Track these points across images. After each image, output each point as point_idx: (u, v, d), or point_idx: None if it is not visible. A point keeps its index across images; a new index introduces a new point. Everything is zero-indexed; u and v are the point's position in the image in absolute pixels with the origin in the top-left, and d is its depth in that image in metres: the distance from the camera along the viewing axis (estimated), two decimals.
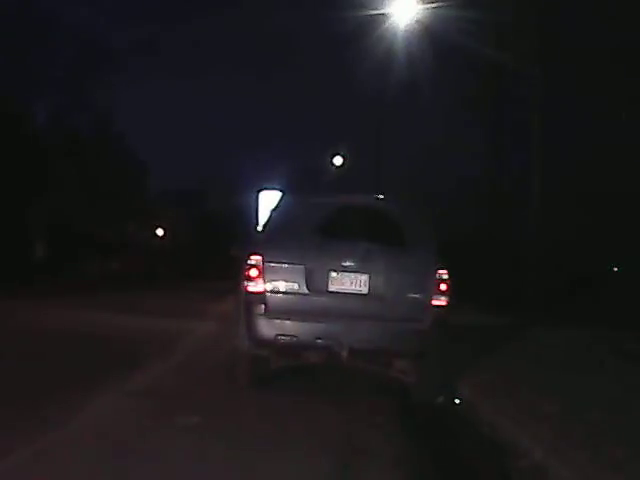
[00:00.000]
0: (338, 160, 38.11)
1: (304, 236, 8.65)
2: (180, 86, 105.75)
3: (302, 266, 8.46)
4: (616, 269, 26.06)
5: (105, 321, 15.88)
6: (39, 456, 5.63)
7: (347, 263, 8.53)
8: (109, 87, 39.95)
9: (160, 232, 66.25)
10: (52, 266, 35.56)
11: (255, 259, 8.43)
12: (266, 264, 8.41)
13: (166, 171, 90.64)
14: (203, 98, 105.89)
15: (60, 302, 20.69)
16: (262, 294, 8.38)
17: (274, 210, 9.25)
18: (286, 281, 8.47)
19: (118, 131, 46.47)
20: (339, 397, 8.68)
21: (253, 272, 8.39)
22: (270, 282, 8.41)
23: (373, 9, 20.83)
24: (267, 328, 8.34)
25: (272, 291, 8.41)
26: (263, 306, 8.35)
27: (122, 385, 8.52)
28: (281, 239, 8.72)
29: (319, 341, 8.35)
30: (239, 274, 8.94)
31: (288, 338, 8.34)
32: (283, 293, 8.44)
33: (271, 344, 8.46)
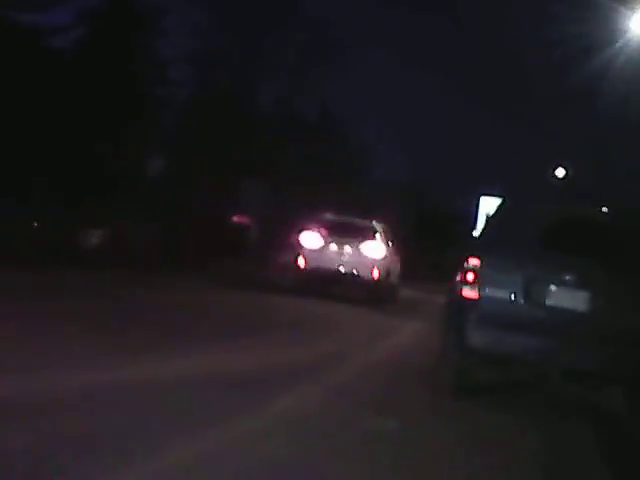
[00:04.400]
0: (561, 172, 37.41)
1: (526, 244, 8.15)
2: (413, 80, 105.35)
3: (521, 276, 7.98)
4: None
5: None
6: None
7: (568, 277, 7.96)
8: (338, 75, 40.49)
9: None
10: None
11: (473, 263, 8.02)
12: (484, 269, 7.98)
13: (386, 163, 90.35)
14: (436, 93, 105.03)
15: None
16: (477, 300, 7.95)
17: (495, 215, 8.88)
18: (503, 289, 8.00)
19: (342, 119, 46.84)
20: (545, 420, 8.16)
21: (470, 276, 7.98)
22: (486, 289, 7.96)
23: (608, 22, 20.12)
24: (478, 337, 7.91)
25: (487, 298, 7.95)
26: (477, 313, 7.93)
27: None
28: (502, 245, 8.28)
29: (532, 356, 7.93)
30: (453, 277, 8.67)
31: (499, 350, 7.92)
32: (499, 302, 7.95)
33: (480, 354, 8.06)
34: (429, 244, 47.98)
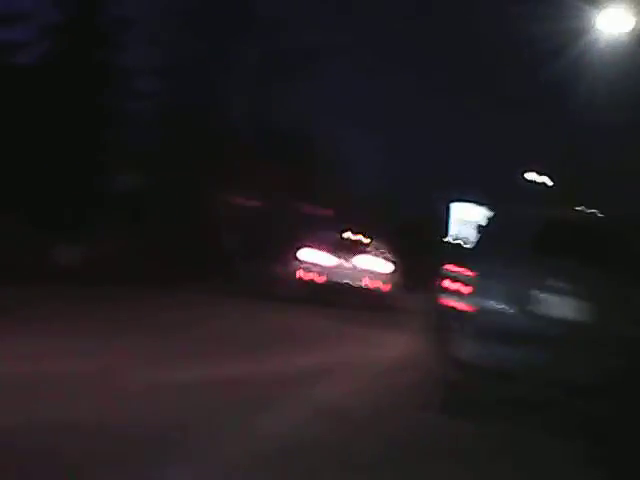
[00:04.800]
0: (534, 176, 37.44)
1: (517, 252, 7.72)
2: (376, 87, 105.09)
3: (509, 283, 7.54)
4: None
5: None
6: None
7: (557, 284, 7.52)
8: (307, 87, 39.94)
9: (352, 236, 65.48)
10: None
11: (459, 271, 7.62)
12: (471, 278, 7.55)
13: (358, 175, 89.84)
14: (398, 100, 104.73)
15: None
16: (464, 311, 7.53)
17: (486, 223, 8.48)
18: (495, 299, 7.56)
19: (312, 132, 46.42)
20: (537, 435, 7.62)
21: (456, 286, 7.59)
22: (476, 298, 7.52)
23: (576, 21, 19.98)
24: (468, 350, 7.49)
25: (475, 309, 7.52)
26: (466, 325, 7.50)
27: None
28: (493, 253, 7.85)
29: (525, 369, 7.45)
30: (435, 287, 8.27)
31: (491, 363, 7.46)
32: (487, 312, 7.50)
33: (471, 368, 7.56)
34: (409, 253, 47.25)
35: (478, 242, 8.45)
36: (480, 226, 8.59)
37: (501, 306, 7.56)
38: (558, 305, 7.48)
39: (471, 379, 7.82)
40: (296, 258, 21.48)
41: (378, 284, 21.09)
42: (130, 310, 14.39)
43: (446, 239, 53.29)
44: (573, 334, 7.44)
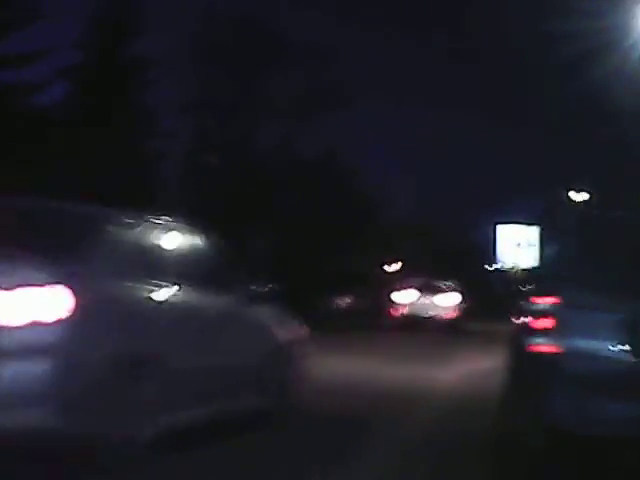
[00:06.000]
0: (577, 195, 36.88)
1: (619, 271, 5.80)
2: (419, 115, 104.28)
3: (618, 315, 5.60)
4: None
5: None
6: None
7: None
8: (340, 116, 38.90)
9: (392, 267, 62.64)
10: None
11: (546, 302, 5.77)
12: (563, 310, 5.67)
13: (396, 205, 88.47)
14: (439, 127, 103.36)
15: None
16: (556, 355, 5.65)
17: (567, 235, 6.57)
18: (593, 337, 5.66)
19: (345, 163, 45.25)
20: None
21: (543, 322, 5.70)
22: (568, 337, 5.64)
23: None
24: (561, 405, 5.63)
25: (571, 351, 5.62)
26: (558, 373, 5.62)
27: None
28: (585, 274, 5.90)
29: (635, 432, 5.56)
30: (512, 322, 6.46)
31: (593, 422, 5.59)
32: (588, 355, 5.62)
33: (564, 428, 5.69)
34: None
35: (556, 262, 6.57)
36: (559, 241, 6.66)
37: (600, 344, 5.65)
38: None
39: (562, 445, 5.90)
40: (389, 298, 29.50)
41: (449, 314, 28.85)
42: None
43: (495, 265, 51.39)
44: None
